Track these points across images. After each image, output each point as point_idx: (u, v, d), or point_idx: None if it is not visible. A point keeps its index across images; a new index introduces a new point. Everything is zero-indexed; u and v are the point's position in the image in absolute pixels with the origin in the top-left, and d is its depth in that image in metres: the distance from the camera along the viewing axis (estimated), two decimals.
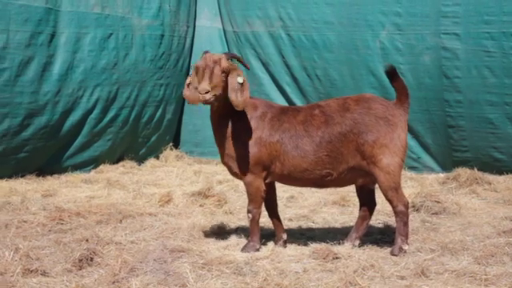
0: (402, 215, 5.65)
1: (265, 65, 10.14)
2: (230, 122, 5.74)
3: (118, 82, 9.33)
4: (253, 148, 5.67)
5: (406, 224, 5.66)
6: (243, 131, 5.70)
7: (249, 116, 5.73)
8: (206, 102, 5.49)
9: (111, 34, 9.20)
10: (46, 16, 8.47)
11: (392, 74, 5.76)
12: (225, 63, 5.56)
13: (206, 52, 5.78)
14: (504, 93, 8.65)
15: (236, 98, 5.53)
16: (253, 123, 5.71)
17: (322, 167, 5.67)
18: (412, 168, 9.21)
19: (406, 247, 5.60)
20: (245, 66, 5.79)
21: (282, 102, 10.01)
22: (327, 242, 5.76)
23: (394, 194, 5.66)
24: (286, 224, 6.57)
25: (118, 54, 9.30)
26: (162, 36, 9.90)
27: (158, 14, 9.84)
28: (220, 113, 5.74)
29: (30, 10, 8.31)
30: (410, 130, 9.21)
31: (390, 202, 5.71)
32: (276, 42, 9.97)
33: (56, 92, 8.65)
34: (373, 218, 6.73)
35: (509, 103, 8.64)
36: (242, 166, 5.74)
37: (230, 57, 5.76)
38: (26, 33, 8.29)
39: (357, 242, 5.85)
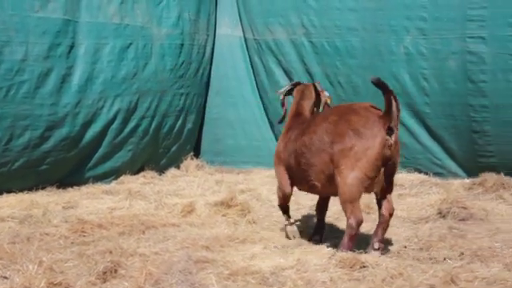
0: (350, 229, 5.59)
1: (287, 72, 10.05)
2: None
3: (138, 92, 9.28)
4: None
5: (350, 239, 5.61)
6: None
7: None
8: None
9: (130, 43, 9.15)
10: (64, 27, 8.43)
11: (379, 86, 5.53)
12: None
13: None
14: None
15: None
16: None
17: (307, 177, 5.94)
18: (437, 174, 9.08)
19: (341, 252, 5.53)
20: None
21: None
22: (353, 251, 5.65)
23: (348, 206, 5.57)
24: (310, 231, 6.51)
25: (138, 63, 9.25)
26: (182, 45, 9.84)
27: (178, 23, 9.79)
28: None
29: (48, 21, 8.27)
30: (435, 136, 9.13)
31: (345, 213, 5.65)
32: (298, 50, 9.89)
33: (76, 103, 8.61)
34: (399, 225, 6.69)
35: None
36: None
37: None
38: (44, 45, 8.25)
39: (376, 245, 5.67)
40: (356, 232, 5.62)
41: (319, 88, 6.48)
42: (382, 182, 5.61)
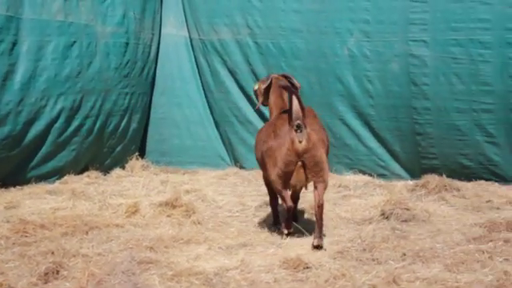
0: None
1: (232, 73, 10.05)
2: None
3: (82, 91, 9.16)
4: None
5: (285, 221, 6.39)
6: None
7: None
8: None
9: (75, 41, 9.03)
10: (6, 24, 8.26)
11: (284, 88, 6.27)
12: None
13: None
14: (472, 100, 8.67)
15: None
16: None
17: None
18: (380, 175, 9.17)
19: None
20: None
21: (249, 110, 9.95)
22: (297, 252, 5.70)
23: (280, 197, 6.43)
24: (255, 232, 6.53)
25: (82, 62, 9.13)
26: (127, 44, 9.77)
27: (123, 22, 9.70)
28: None
29: None
30: (378, 138, 9.22)
31: None
32: (243, 50, 9.90)
33: (18, 101, 8.43)
34: (343, 226, 6.75)
35: (476, 110, 8.66)
36: None
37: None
38: None
39: (315, 242, 5.98)
40: (287, 216, 6.29)
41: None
42: (302, 174, 6.08)
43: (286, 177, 6.09)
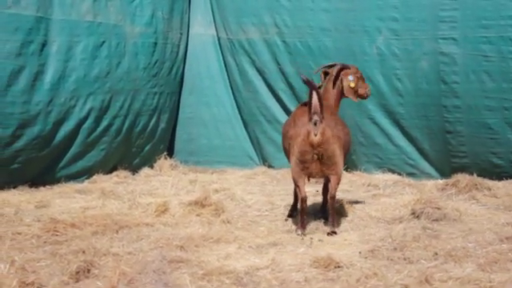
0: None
1: (260, 72, 10.03)
2: None
3: (111, 91, 9.20)
4: None
5: (300, 212, 6.52)
6: None
7: None
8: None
9: (103, 42, 9.08)
10: (36, 24, 8.33)
11: (305, 83, 6.42)
12: None
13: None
14: (502, 97, 8.58)
15: None
16: None
17: None
18: (410, 174, 9.11)
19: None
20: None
21: (277, 109, 9.93)
22: (328, 251, 5.68)
23: (295, 186, 6.66)
24: (284, 231, 6.52)
25: (111, 62, 9.17)
26: (155, 44, 9.79)
27: (151, 22, 9.73)
28: None
29: (20, 18, 8.17)
30: (408, 136, 9.17)
31: None
32: (271, 49, 9.88)
33: (48, 102, 8.51)
34: (373, 225, 6.71)
35: (507, 108, 8.56)
36: None
37: None
38: (16, 42, 8.15)
39: (329, 230, 6.43)
40: (302, 207, 6.43)
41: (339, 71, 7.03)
42: (317, 166, 6.37)
43: (302, 166, 6.37)
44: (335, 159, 6.40)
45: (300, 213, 6.49)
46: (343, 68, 7.05)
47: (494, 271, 5.22)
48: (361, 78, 7.09)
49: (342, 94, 6.99)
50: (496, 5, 8.54)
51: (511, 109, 8.56)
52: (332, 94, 6.95)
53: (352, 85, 6.96)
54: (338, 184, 6.51)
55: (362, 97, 7.13)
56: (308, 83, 6.34)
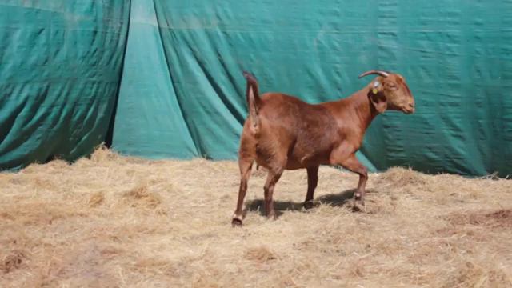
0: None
1: (200, 63, 10.00)
2: None
3: (49, 79, 9.07)
4: None
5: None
6: None
7: None
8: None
9: (42, 29, 8.94)
10: None
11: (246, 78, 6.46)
12: None
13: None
14: (439, 93, 8.73)
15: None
16: None
17: None
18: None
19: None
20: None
21: (217, 101, 9.92)
22: (262, 243, 5.69)
23: None
24: (220, 223, 6.51)
25: (49, 50, 9.04)
26: (95, 32, 9.68)
27: (91, 10, 9.62)
28: None
29: None
30: None
31: None
32: (212, 40, 9.86)
33: None
34: (308, 218, 6.75)
35: (443, 103, 8.71)
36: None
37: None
38: None
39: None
40: (241, 189, 6.56)
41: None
42: (257, 157, 6.55)
43: (243, 153, 6.55)
44: (271, 152, 6.47)
45: (238, 195, 6.57)
46: (378, 73, 7.13)
47: (423, 263, 5.31)
48: (403, 89, 7.01)
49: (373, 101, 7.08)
50: (435, 1, 8.68)
51: (447, 104, 8.71)
52: (360, 97, 7.16)
53: (374, 91, 7.00)
54: (272, 178, 6.54)
55: (400, 109, 7.07)
56: (247, 77, 6.38)
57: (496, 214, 6.60)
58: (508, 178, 8.53)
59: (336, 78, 9.19)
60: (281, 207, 7.03)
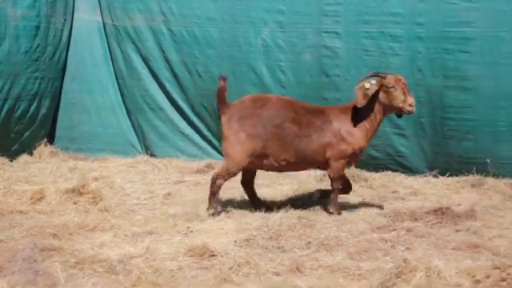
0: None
1: (145, 60, 9.92)
2: None
3: None
4: None
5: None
6: None
7: None
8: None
9: None
10: None
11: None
12: None
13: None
14: None
15: None
16: None
17: None
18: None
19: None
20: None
21: (161, 97, 9.86)
22: (204, 240, 5.70)
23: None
24: (162, 220, 6.50)
25: None
26: (38, 27, 9.54)
27: (34, 5, 9.46)
28: None
29: None
30: None
31: None
32: (157, 37, 9.80)
33: None
34: (250, 215, 6.77)
35: None
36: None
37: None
38: None
39: None
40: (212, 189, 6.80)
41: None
42: None
43: None
44: (227, 150, 6.75)
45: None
46: (377, 75, 6.93)
47: (362, 260, 5.39)
48: (402, 89, 6.81)
49: (380, 104, 6.92)
50: (378, 1, 8.80)
51: None
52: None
53: (366, 85, 6.81)
54: (223, 172, 6.77)
55: (401, 109, 6.88)
56: (218, 81, 6.86)
57: (435, 211, 6.72)
58: (448, 176, 8.67)
59: (280, 76, 9.23)
60: (224, 204, 7.03)
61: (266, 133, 6.65)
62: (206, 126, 9.73)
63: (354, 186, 8.01)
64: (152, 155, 9.82)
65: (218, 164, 8.95)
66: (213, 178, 6.77)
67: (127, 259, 5.26)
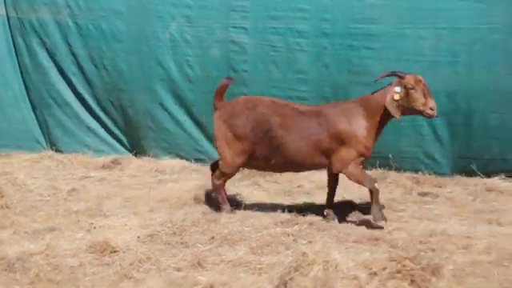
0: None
1: (51, 54, 9.71)
2: None
3: None
4: None
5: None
6: None
7: None
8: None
9: None
10: None
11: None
12: None
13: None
14: (287, 87, 8.90)
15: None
16: None
17: None
18: (198, 160, 9.22)
19: None
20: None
21: (67, 92, 9.67)
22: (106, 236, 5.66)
23: None
24: (64, 216, 6.42)
25: None
26: None
27: None
28: None
29: None
30: (197, 122, 9.28)
31: None
32: (63, 31, 9.61)
33: None
34: (156, 210, 6.76)
35: (292, 97, 8.82)
36: None
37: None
38: None
39: None
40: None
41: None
42: None
43: None
44: (219, 151, 6.78)
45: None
46: (395, 75, 6.56)
47: (264, 254, 5.45)
48: (422, 90, 6.45)
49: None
50: None
51: (295, 98, 8.82)
52: (372, 99, 6.60)
53: (396, 97, 6.43)
54: (219, 174, 6.75)
55: (421, 113, 6.52)
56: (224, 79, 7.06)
57: (339, 205, 6.85)
58: None
59: (188, 70, 9.20)
60: (128, 200, 7.00)
61: (254, 136, 6.58)
62: (113, 120, 9.60)
63: (260, 181, 8.13)
64: (58, 151, 9.64)
65: (124, 159, 8.94)
66: (212, 179, 6.80)
67: (26, 256, 5.19)
